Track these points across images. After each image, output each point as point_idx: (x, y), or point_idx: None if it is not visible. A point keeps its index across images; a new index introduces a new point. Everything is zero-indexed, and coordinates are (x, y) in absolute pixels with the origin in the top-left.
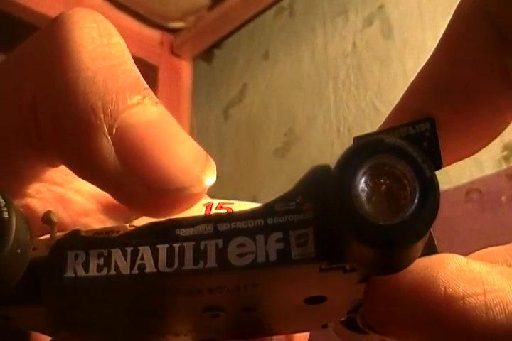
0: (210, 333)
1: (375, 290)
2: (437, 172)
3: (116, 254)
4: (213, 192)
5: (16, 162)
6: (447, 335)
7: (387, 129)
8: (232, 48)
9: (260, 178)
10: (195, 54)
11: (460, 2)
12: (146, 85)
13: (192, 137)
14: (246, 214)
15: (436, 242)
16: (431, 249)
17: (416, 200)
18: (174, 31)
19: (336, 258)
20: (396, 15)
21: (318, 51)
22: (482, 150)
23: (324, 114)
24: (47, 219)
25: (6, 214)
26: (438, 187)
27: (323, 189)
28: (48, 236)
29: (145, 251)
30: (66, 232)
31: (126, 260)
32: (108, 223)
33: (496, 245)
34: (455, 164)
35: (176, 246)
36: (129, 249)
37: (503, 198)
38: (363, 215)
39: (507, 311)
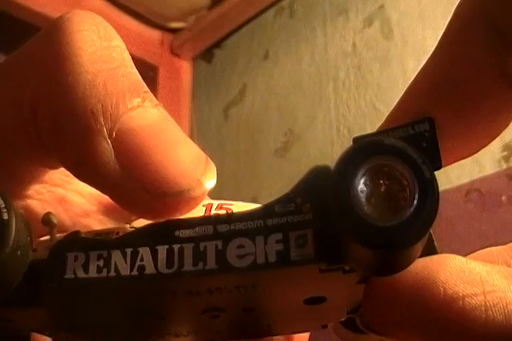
0: (210, 334)
1: (375, 290)
2: (437, 173)
3: (116, 256)
4: (213, 191)
5: (16, 164)
6: (447, 335)
7: (386, 130)
8: (232, 48)
9: (260, 178)
10: (195, 54)
11: (460, 2)
12: (146, 88)
13: (192, 137)
14: (245, 216)
15: (435, 242)
16: (430, 250)
17: (415, 201)
18: (174, 31)
19: (335, 259)
20: (396, 15)
21: (318, 51)
22: (482, 150)
23: (324, 114)
24: (46, 220)
25: (5, 216)
26: (437, 188)
27: (323, 190)
28: (48, 237)
29: (145, 252)
30: (66, 234)
31: (125, 261)
32: (109, 223)
33: (496, 245)
34: (455, 164)
35: (176, 247)
36: (128, 251)
37: (503, 198)
38: (362, 216)
39: (506, 311)
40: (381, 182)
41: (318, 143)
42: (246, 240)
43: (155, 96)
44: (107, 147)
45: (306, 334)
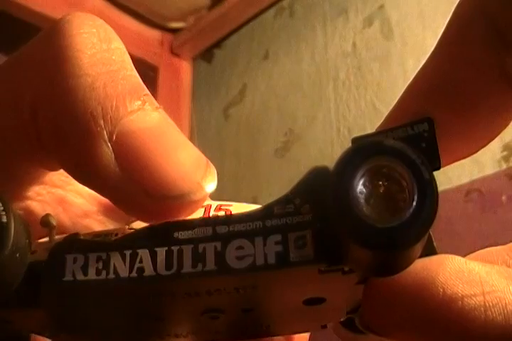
0: (210, 335)
1: (374, 291)
2: (437, 173)
3: (115, 257)
4: (213, 192)
5: (16, 165)
6: (446, 336)
7: (385, 130)
8: (232, 48)
9: (260, 178)
10: (195, 54)
11: (459, 2)
12: (146, 90)
13: (192, 137)
14: (245, 217)
15: (435, 243)
16: (430, 250)
17: (414, 202)
18: (174, 31)
19: (335, 260)
20: (396, 15)
21: (318, 51)
22: (482, 150)
23: (324, 114)
24: (45, 222)
25: (4, 219)
26: (436, 189)
27: (322, 191)
28: (47, 239)
29: (144, 254)
30: (65, 235)
31: (125, 263)
32: (108, 224)
33: (496, 245)
34: (455, 164)
35: (175, 249)
36: (127, 252)
37: (503, 198)
38: (361, 217)
39: (506, 311)
40: (380, 183)
41: (318, 143)
42: (245, 241)
43: (155, 96)
44: (107, 150)
45: (306, 335)
